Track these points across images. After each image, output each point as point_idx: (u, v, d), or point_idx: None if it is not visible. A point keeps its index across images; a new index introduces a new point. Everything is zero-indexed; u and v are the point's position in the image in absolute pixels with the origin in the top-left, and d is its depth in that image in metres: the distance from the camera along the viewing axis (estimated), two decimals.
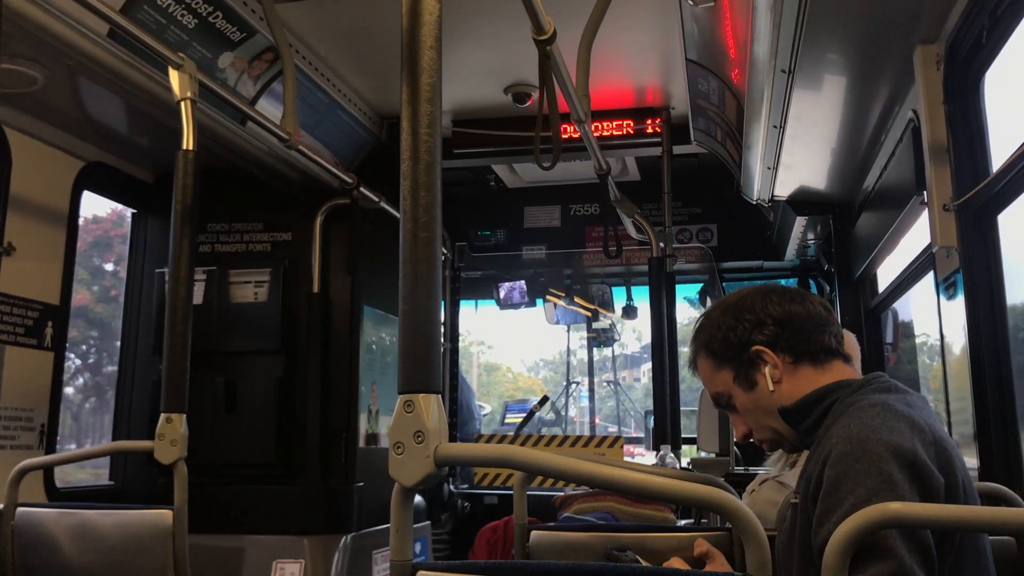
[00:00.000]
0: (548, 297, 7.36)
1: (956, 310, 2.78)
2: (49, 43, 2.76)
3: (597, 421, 11.56)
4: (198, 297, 4.18)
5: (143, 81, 3.15)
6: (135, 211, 4.56)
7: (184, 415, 2.68)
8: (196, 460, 2.86)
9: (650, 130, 4.94)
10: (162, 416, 2.66)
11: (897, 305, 4.54)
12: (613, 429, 12.26)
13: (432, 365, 1.35)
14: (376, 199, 4.46)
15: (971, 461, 2.65)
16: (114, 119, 3.86)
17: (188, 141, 2.85)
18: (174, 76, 2.86)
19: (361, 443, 4.27)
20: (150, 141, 4.10)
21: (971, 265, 2.70)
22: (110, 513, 2.66)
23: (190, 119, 2.87)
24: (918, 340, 4.91)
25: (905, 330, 4.93)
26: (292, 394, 4.12)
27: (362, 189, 4.28)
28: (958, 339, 2.79)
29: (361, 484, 4.16)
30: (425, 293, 1.36)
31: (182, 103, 2.87)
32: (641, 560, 2.11)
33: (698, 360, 2.09)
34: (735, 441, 4.58)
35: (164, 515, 2.58)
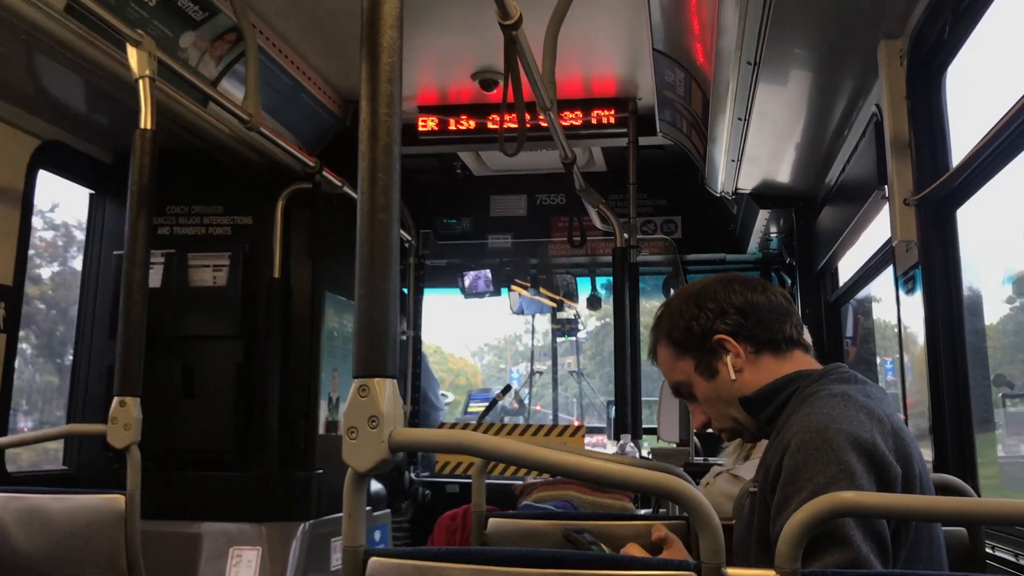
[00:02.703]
0: (513, 287, 7.34)
1: (915, 304, 2.81)
2: (3, 16, 2.69)
3: (538, 408, 11.58)
4: (156, 281, 4.12)
5: (101, 58, 3.07)
6: (93, 192, 4.47)
7: (138, 399, 2.63)
8: (153, 446, 2.81)
9: (616, 120, 4.93)
10: (115, 399, 2.61)
11: (871, 296, 4.59)
12: (564, 417, 12.28)
13: (388, 349, 1.33)
14: (339, 183, 4.41)
15: (926, 454, 2.68)
16: (72, 97, 3.77)
17: (146, 120, 2.79)
18: (132, 53, 2.81)
19: (321, 430, 4.23)
20: (109, 120, 4.02)
21: (930, 259, 2.73)
22: (61, 498, 2.61)
23: (148, 98, 2.81)
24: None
25: (874, 323, 4.99)
26: (251, 380, 4.07)
27: (324, 173, 4.24)
28: (917, 333, 2.82)
29: (320, 471, 4.12)
30: (381, 276, 1.34)
31: (140, 81, 2.81)
32: (599, 542, 2.11)
33: (659, 349, 2.08)
34: (695, 431, 4.62)
35: (116, 500, 2.54)
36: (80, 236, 4.56)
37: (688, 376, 2.01)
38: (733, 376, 1.93)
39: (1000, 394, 4.79)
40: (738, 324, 1.94)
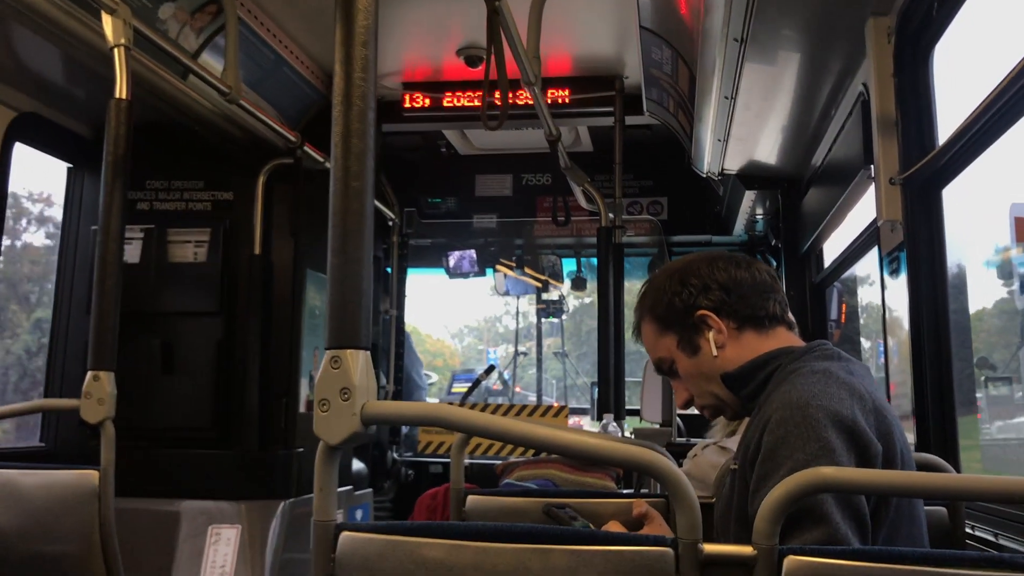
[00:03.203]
0: (498, 267, 7.31)
1: (900, 284, 2.79)
2: None
3: (519, 390, 11.55)
4: (135, 256, 4.07)
5: (77, 28, 3.02)
6: (71, 166, 4.40)
7: (112, 373, 2.59)
8: (131, 422, 2.77)
9: (602, 98, 4.88)
10: (89, 374, 2.56)
11: (857, 277, 4.58)
12: (547, 399, 12.29)
13: (361, 320, 1.30)
14: (321, 159, 4.36)
15: (909, 436, 2.67)
16: (49, 68, 3.70)
17: (121, 90, 2.73)
18: (107, 21, 2.74)
19: (302, 408, 4.20)
20: (88, 93, 3.95)
21: (915, 239, 2.71)
22: (33, 473, 2.57)
23: (124, 67, 2.75)
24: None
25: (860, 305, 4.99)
26: (231, 357, 4.04)
27: (306, 148, 4.18)
28: (901, 313, 2.81)
29: (301, 450, 4.10)
30: (355, 246, 1.31)
31: (115, 50, 2.75)
32: (580, 516, 2.09)
33: (642, 325, 2.06)
34: (678, 412, 4.61)
35: (90, 476, 2.50)
36: (32, 208, 4.49)
37: (670, 352, 1.99)
38: (715, 352, 1.91)
39: (983, 377, 4.81)
40: (721, 300, 1.92)
